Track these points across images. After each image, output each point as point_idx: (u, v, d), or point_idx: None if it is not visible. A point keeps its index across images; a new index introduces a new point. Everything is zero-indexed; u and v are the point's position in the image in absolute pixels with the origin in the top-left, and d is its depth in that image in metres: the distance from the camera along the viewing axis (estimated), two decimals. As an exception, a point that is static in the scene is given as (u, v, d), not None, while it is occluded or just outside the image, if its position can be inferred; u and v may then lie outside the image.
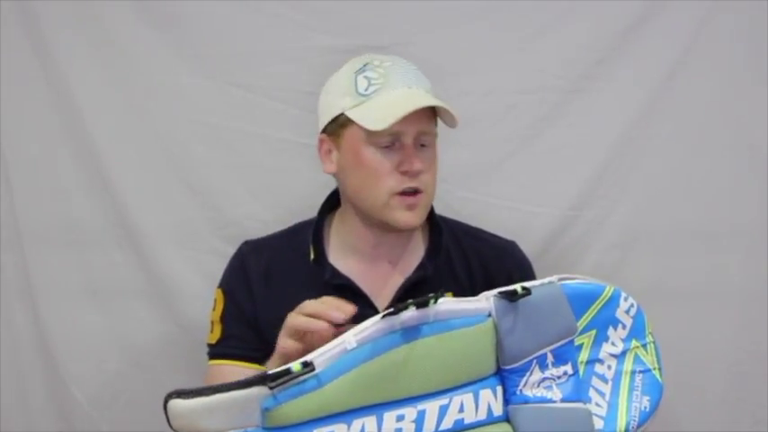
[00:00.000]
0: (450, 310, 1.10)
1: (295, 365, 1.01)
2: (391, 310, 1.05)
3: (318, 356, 1.03)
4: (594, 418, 1.16)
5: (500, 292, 1.12)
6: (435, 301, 1.08)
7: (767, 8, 1.56)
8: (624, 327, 1.20)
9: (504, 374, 1.13)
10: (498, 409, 1.12)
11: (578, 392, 1.16)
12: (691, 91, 1.57)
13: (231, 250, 1.38)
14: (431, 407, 1.07)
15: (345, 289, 1.27)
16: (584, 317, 1.17)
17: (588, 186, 1.59)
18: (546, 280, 1.16)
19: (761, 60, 1.57)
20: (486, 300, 1.13)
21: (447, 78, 1.53)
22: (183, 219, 1.58)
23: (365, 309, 1.26)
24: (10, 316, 1.60)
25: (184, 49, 1.54)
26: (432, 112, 1.25)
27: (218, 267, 1.37)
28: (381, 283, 1.30)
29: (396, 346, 1.06)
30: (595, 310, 1.18)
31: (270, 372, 1.01)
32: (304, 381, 1.01)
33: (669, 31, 1.55)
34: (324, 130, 1.28)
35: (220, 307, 1.33)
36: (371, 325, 1.06)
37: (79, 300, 1.59)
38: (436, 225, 1.34)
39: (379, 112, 1.21)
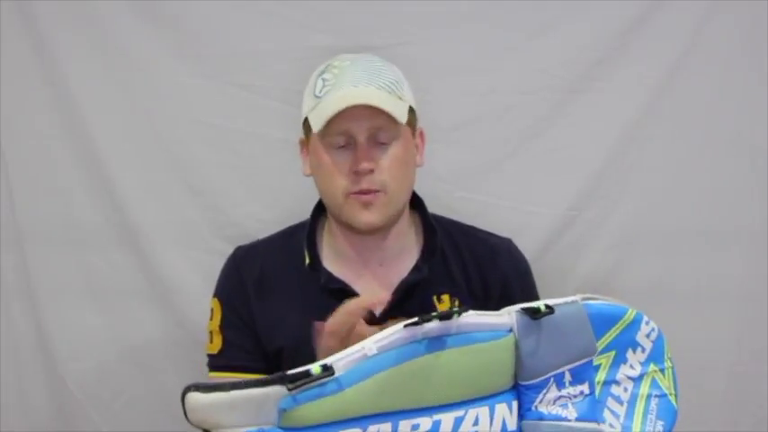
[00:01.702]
0: (472, 324, 1.10)
1: (315, 368, 1.01)
2: (415, 320, 1.05)
3: (338, 360, 1.03)
4: None
5: (523, 309, 1.12)
6: (459, 315, 1.08)
7: (767, 8, 1.56)
8: (644, 350, 1.20)
9: (521, 390, 1.13)
10: (513, 424, 1.12)
11: (593, 412, 1.16)
12: (691, 91, 1.57)
13: (231, 250, 1.38)
14: (446, 418, 1.08)
15: (341, 293, 1.25)
16: (604, 337, 1.17)
17: (588, 186, 1.59)
18: (570, 299, 1.15)
19: (761, 60, 1.57)
20: (509, 315, 1.13)
21: (447, 78, 1.53)
22: (183, 219, 1.57)
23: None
24: (10, 316, 1.60)
25: (184, 49, 1.54)
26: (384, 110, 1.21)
27: (219, 267, 1.37)
28: (376, 287, 1.29)
29: (416, 355, 1.06)
30: (616, 332, 1.18)
31: (289, 372, 1.01)
32: (324, 383, 1.01)
33: (669, 31, 1.55)
34: (303, 133, 1.30)
35: (218, 316, 1.32)
36: (393, 333, 1.06)
37: (79, 300, 1.59)
38: (430, 226, 1.33)
39: (320, 114, 1.21)
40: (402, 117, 1.23)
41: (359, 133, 1.21)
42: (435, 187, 1.52)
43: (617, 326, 1.18)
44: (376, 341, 1.05)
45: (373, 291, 1.28)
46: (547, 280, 1.42)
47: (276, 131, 1.55)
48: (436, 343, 1.07)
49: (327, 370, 1.02)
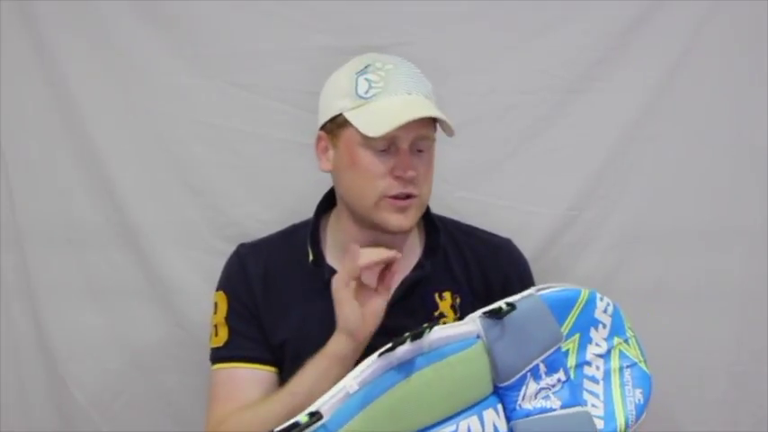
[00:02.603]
0: (441, 338, 1.11)
1: (302, 417, 1.02)
2: (388, 346, 1.06)
3: (323, 405, 1.03)
4: (594, 418, 1.18)
5: (485, 312, 1.14)
6: (429, 331, 1.09)
7: (767, 8, 1.56)
8: (605, 326, 1.23)
9: (501, 392, 1.15)
10: (503, 427, 1.14)
11: (575, 397, 1.18)
12: (691, 91, 1.57)
13: (231, 250, 1.38)
14: None
15: None
16: (566, 322, 1.20)
17: (588, 186, 1.59)
18: (526, 293, 1.19)
19: (761, 60, 1.57)
20: (473, 322, 1.15)
21: (447, 78, 1.53)
22: (183, 219, 1.57)
23: None
24: (10, 316, 1.60)
25: (184, 49, 1.54)
26: (430, 118, 1.24)
27: (219, 267, 1.37)
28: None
29: (396, 382, 1.07)
30: (575, 315, 1.21)
31: (277, 429, 1.01)
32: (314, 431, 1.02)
33: (669, 31, 1.55)
34: (323, 128, 1.28)
35: (224, 308, 1.31)
36: (370, 365, 1.07)
37: (79, 300, 1.59)
38: (433, 225, 1.34)
39: (377, 118, 1.21)
40: (450, 131, 1.25)
41: (404, 140, 1.22)
42: (435, 187, 1.50)
43: (574, 309, 1.21)
44: (355, 377, 1.06)
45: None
46: (547, 280, 1.41)
47: (276, 131, 1.55)
48: (410, 365, 1.08)
49: (314, 416, 1.02)
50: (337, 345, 1.18)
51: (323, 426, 1.02)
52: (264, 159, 1.56)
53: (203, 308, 1.39)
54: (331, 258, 1.31)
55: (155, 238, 1.57)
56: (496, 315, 1.13)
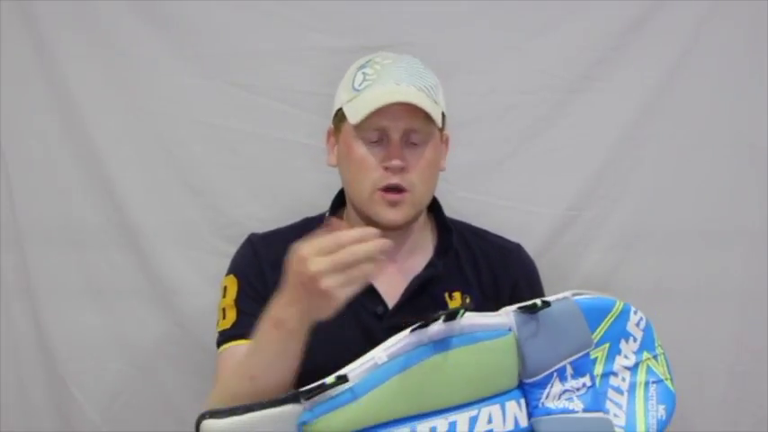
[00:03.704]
0: (473, 324, 1.12)
1: (329, 379, 1.03)
2: (420, 323, 1.07)
3: (351, 371, 1.04)
4: (615, 428, 1.18)
5: (519, 307, 1.14)
6: (462, 315, 1.09)
7: (767, 8, 1.56)
8: (635, 340, 1.23)
9: (526, 388, 1.15)
10: (524, 421, 1.14)
11: (598, 403, 1.18)
12: (691, 91, 1.57)
13: (231, 250, 1.38)
14: (461, 418, 1.09)
15: None
16: (597, 330, 1.20)
17: (588, 186, 1.59)
18: (560, 295, 1.18)
19: (761, 60, 1.57)
20: (507, 315, 1.15)
21: (447, 78, 1.53)
22: (183, 219, 1.57)
23: (377, 305, 1.27)
24: (10, 316, 1.60)
25: (184, 49, 1.54)
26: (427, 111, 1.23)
27: (219, 267, 1.37)
28: (391, 281, 1.29)
29: (425, 358, 1.08)
30: (608, 324, 1.20)
31: (303, 389, 1.02)
32: (339, 394, 1.03)
33: (669, 31, 1.55)
34: (333, 123, 1.30)
35: (234, 291, 1.30)
36: (401, 339, 1.07)
37: (79, 300, 1.59)
38: (446, 225, 1.35)
39: (360, 107, 1.22)
40: (438, 120, 1.25)
41: (394, 131, 1.23)
42: (431, 187, 1.52)
43: (607, 318, 1.20)
44: (385, 349, 1.07)
45: (389, 284, 1.28)
46: (547, 280, 1.42)
47: (276, 131, 1.55)
48: (442, 344, 1.09)
49: (341, 379, 1.03)
50: (288, 315, 1.08)
51: (350, 389, 1.04)
52: (264, 159, 1.56)
53: (203, 308, 1.39)
54: None
55: (155, 238, 1.57)
56: (530, 311, 1.14)
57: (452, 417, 1.09)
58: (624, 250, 1.60)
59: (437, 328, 1.08)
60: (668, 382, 1.24)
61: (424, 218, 1.34)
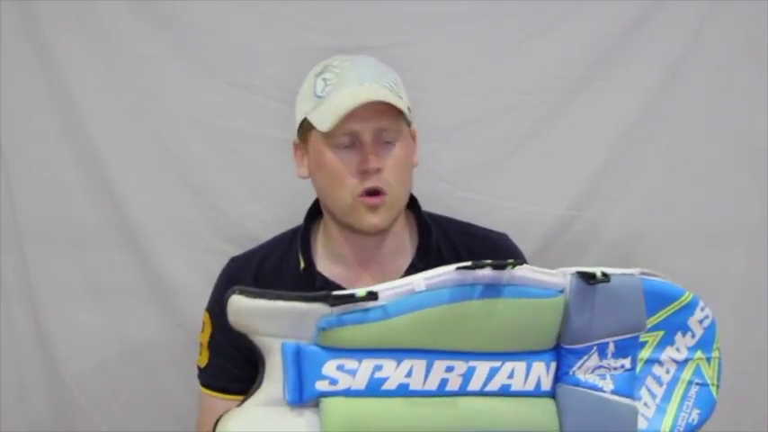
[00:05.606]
0: (524, 278, 1.09)
1: (360, 292, 1.03)
2: (467, 264, 1.05)
3: (384, 290, 1.04)
4: (640, 417, 1.15)
5: (578, 272, 1.11)
6: (513, 267, 1.07)
7: (767, 8, 1.56)
8: (693, 336, 1.18)
9: (562, 352, 1.12)
10: (547, 384, 1.12)
11: (630, 388, 1.15)
12: (691, 91, 1.57)
13: (231, 250, 1.38)
14: (481, 366, 1.08)
15: None
16: (655, 316, 1.16)
17: (588, 186, 1.59)
18: (628, 271, 1.14)
19: (761, 60, 1.57)
20: (563, 276, 1.11)
21: (447, 78, 1.53)
22: (183, 219, 1.57)
23: None
24: (10, 316, 1.60)
25: (184, 49, 1.54)
26: (397, 109, 1.20)
27: (219, 267, 1.36)
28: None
29: (464, 299, 1.06)
30: (668, 312, 1.16)
31: (333, 293, 1.03)
32: (369, 309, 1.03)
33: (669, 31, 1.55)
34: (298, 136, 1.28)
35: (208, 330, 1.30)
36: (443, 273, 1.06)
37: (79, 300, 1.59)
38: (425, 225, 1.32)
39: (327, 112, 1.19)
40: (408, 115, 1.23)
41: (365, 133, 1.20)
42: (435, 187, 1.52)
43: (670, 306, 1.16)
44: (426, 278, 1.06)
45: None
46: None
47: (276, 131, 1.55)
48: (488, 290, 1.07)
49: (372, 295, 1.03)
50: None
51: (382, 307, 1.04)
52: (264, 159, 1.56)
53: (203, 307, 1.38)
54: (322, 266, 1.29)
55: (155, 238, 1.57)
56: (589, 280, 1.10)
57: (473, 362, 1.07)
58: (624, 250, 1.59)
59: (484, 272, 1.06)
60: (713, 388, 1.19)
61: (403, 218, 1.31)
